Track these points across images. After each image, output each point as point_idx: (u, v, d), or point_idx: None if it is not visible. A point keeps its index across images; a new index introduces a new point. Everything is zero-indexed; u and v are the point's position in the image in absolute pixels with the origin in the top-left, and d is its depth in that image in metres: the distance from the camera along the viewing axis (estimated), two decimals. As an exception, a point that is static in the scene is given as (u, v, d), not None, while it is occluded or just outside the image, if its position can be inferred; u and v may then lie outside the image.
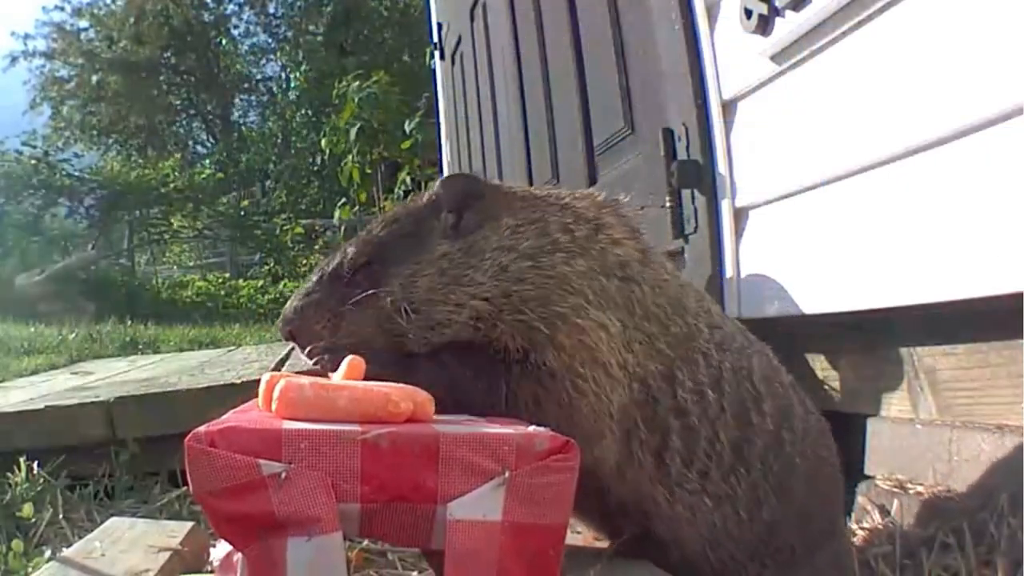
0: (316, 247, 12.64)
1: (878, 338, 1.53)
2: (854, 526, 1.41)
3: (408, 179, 9.48)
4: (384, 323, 1.04)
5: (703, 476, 1.06)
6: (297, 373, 0.96)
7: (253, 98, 19.42)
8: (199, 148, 19.60)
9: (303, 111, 15.81)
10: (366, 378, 0.94)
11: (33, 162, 11.04)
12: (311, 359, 1.05)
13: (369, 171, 9.63)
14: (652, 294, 1.07)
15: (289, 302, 1.12)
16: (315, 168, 15.24)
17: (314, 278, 1.12)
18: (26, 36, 18.63)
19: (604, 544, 1.17)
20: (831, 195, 1.55)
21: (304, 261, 12.15)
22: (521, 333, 1.01)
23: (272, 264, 11.99)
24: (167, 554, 1.16)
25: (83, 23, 18.81)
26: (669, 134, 2.02)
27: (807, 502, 1.14)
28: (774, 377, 1.16)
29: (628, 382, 1.03)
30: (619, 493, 1.06)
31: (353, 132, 9.36)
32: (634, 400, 1.03)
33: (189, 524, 1.31)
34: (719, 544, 1.08)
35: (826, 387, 1.76)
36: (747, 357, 1.14)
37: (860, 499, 1.46)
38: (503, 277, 1.03)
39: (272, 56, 18.73)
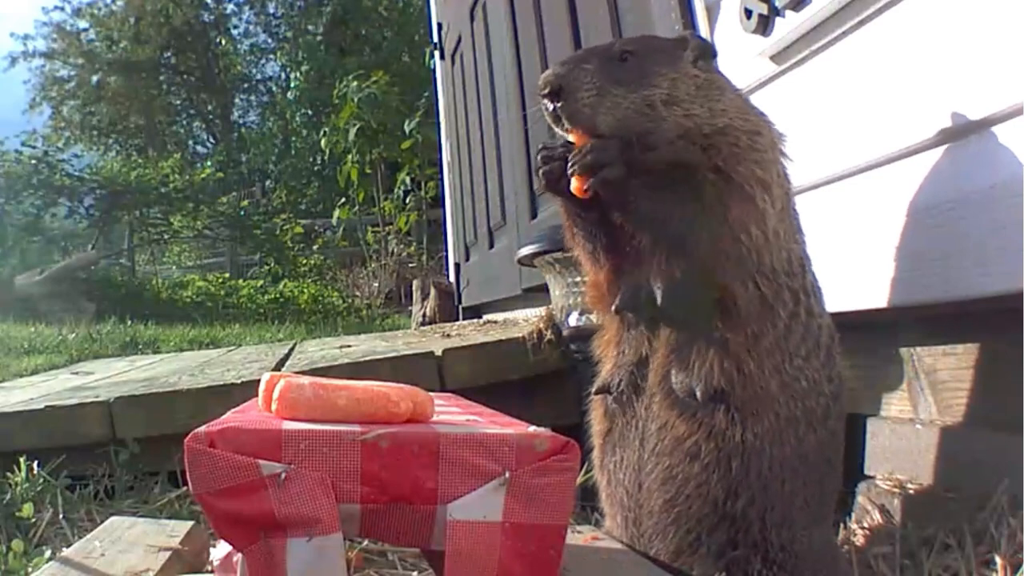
0: (316, 247, 12.63)
1: (878, 338, 1.53)
2: (854, 526, 1.41)
3: (408, 179, 9.49)
4: (644, 111, 1.11)
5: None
6: (296, 373, 0.96)
7: (253, 98, 19.42)
8: (199, 148, 19.60)
9: (303, 111, 15.79)
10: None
11: (33, 162, 10.99)
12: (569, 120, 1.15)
13: (369, 171, 9.63)
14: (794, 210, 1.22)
15: (554, 66, 1.19)
16: (315, 168, 15.24)
17: (581, 52, 1.21)
18: (26, 36, 18.63)
19: (604, 544, 1.17)
20: (831, 195, 1.55)
21: (304, 261, 12.12)
22: (725, 159, 1.12)
23: (272, 264, 11.94)
24: (167, 554, 1.16)
25: (83, 23, 18.82)
26: (669, 133, 2.02)
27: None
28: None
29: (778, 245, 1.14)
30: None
31: (353, 132, 9.36)
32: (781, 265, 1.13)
33: (189, 524, 1.31)
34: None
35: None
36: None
37: (860, 499, 1.45)
38: (735, 114, 1.16)
39: (272, 56, 18.71)
